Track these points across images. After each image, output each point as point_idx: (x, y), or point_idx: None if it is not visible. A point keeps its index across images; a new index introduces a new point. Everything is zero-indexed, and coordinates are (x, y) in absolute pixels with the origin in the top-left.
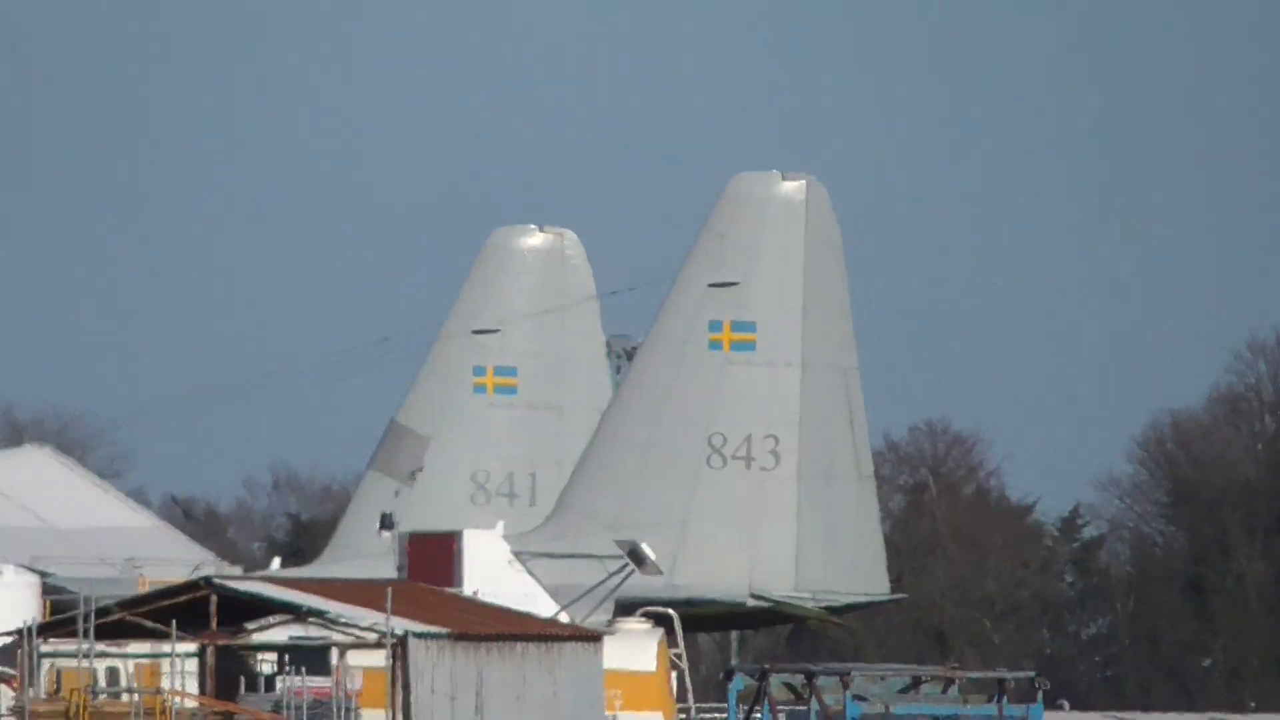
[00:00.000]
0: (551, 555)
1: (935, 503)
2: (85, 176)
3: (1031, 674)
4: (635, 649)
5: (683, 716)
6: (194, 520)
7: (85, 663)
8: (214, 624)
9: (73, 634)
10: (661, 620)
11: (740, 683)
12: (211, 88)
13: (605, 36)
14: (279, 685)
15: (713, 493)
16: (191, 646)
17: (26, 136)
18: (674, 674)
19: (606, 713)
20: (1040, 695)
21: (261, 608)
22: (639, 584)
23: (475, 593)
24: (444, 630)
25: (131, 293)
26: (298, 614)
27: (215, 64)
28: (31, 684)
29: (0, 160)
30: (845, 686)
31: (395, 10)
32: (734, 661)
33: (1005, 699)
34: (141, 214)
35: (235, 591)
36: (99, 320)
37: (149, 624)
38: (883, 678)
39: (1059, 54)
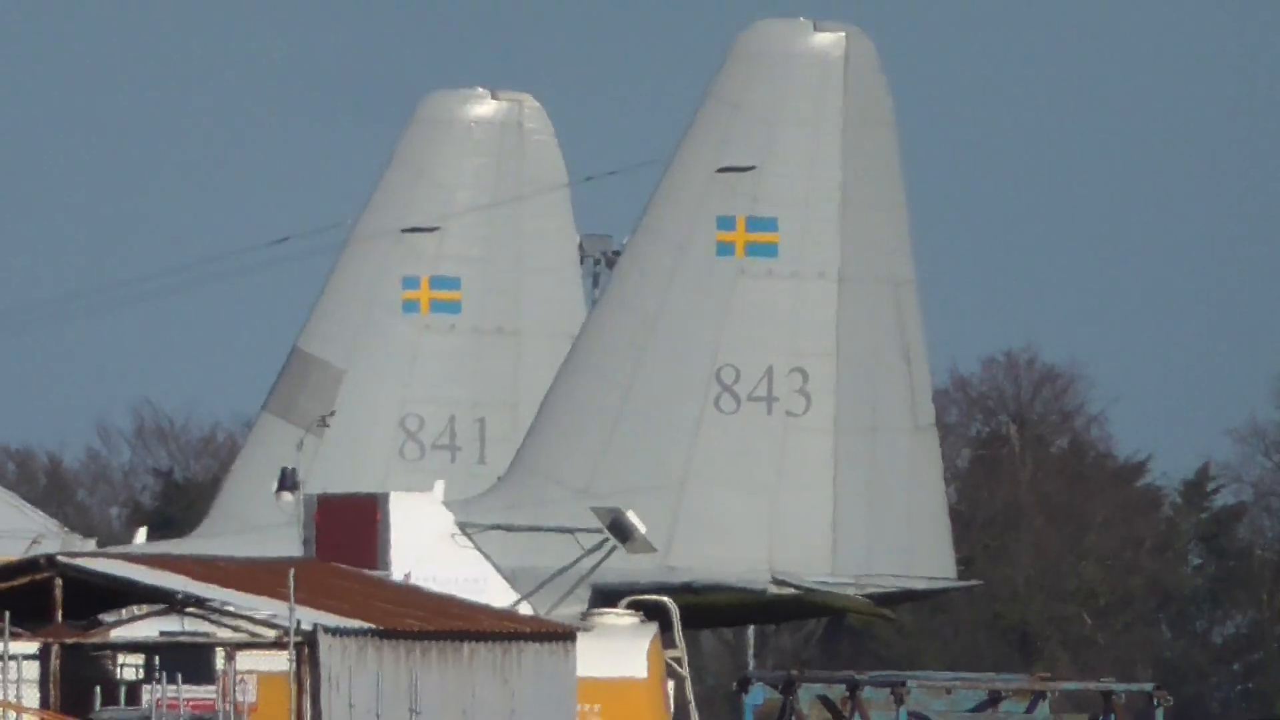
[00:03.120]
0: (507, 528)
1: (1017, 460)
2: None
3: (1148, 686)
4: (620, 650)
5: None
6: (31, 479)
7: None
8: (59, 616)
9: None
10: (655, 613)
11: (759, 695)
12: None
13: None
14: (146, 696)
15: (722, 445)
16: (31, 646)
17: None
18: (671, 683)
19: None
20: (1159, 714)
21: (123, 594)
22: (624, 566)
23: (407, 576)
24: (365, 625)
25: None
26: (171, 603)
27: None
28: None
29: None
30: (899, 702)
31: None
32: (751, 668)
33: (1113, 719)
34: None
35: (88, 573)
36: None
37: None
38: (948, 690)
39: None
